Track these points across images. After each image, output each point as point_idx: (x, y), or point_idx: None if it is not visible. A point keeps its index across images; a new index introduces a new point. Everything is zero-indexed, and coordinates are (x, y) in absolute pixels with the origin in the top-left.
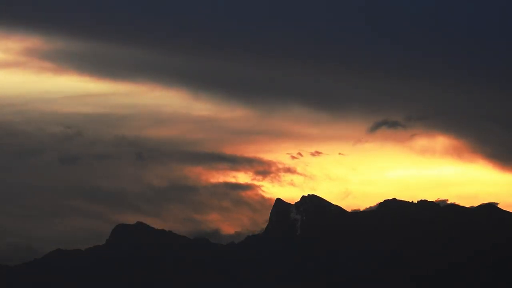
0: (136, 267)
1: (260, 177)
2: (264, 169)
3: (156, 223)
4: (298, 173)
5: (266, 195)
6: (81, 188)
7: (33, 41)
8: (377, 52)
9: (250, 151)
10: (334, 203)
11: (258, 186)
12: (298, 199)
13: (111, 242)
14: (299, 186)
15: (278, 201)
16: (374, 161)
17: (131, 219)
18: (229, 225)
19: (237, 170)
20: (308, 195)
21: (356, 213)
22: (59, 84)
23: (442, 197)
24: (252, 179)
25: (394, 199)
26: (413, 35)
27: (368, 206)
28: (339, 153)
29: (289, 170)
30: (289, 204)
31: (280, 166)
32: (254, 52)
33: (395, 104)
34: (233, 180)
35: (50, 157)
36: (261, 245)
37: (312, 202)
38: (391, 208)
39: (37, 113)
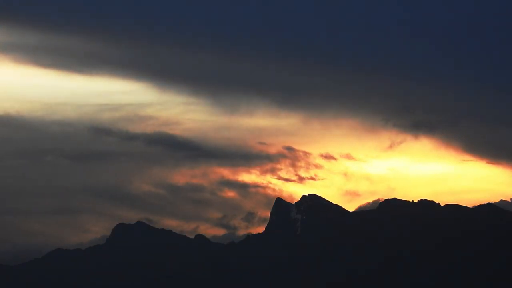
0: (136, 266)
1: (290, 176)
2: (293, 169)
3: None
4: (333, 173)
5: (297, 196)
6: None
7: None
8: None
9: (276, 149)
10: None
11: (287, 185)
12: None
13: (111, 241)
14: (336, 186)
15: (279, 200)
16: (409, 161)
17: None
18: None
19: (260, 168)
20: (309, 194)
21: (356, 213)
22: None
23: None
24: (279, 178)
25: (394, 198)
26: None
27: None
28: (367, 155)
29: (322, 169)
30: (289, 203)
31: (311, 166)
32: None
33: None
34: (257, 180)
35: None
36: (261, 244)
37: (312, 202)
38: (391, 208)
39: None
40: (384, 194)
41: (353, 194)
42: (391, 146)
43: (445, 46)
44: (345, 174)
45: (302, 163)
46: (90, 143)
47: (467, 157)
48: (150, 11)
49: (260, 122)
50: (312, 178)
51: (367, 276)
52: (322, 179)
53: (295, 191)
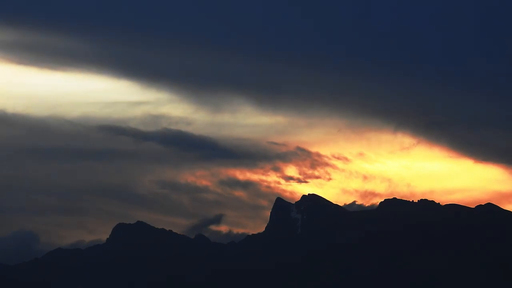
0: (136, 266)
1: (311, 176)
2: (304, 169)
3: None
4: (346, 173)
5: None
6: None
7: None
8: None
9: (287, 149)
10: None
11: (296, 186)
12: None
13: (111, 241)
14: (351, 187)
15: (279, 200)
16: (422, 162)
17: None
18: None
19: (279, 168)
20: (309, 194)
21: (356, 212)
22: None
23: None
24: (303, 178)
25: (395, 198)
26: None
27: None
28: (380, 155)
29: (337, 169)
30: (289, 203)
31: (323, 166)
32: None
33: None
34: (264, 180)
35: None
36: (262, 244)
37: (312, 201)
38: (392, 208)
39: None
40: (398, 194)
41: (369, 194)
42: (405, 148)
43: (455, 49)
44: (361, 175)
45: (313, 163)
46: (94, 142)
47: (480, 159)
48: (148, 11)
49: (268, 122)
50: (319, 177)
51: (367, 276)
52: (330, 179)
53: (306, 192)
